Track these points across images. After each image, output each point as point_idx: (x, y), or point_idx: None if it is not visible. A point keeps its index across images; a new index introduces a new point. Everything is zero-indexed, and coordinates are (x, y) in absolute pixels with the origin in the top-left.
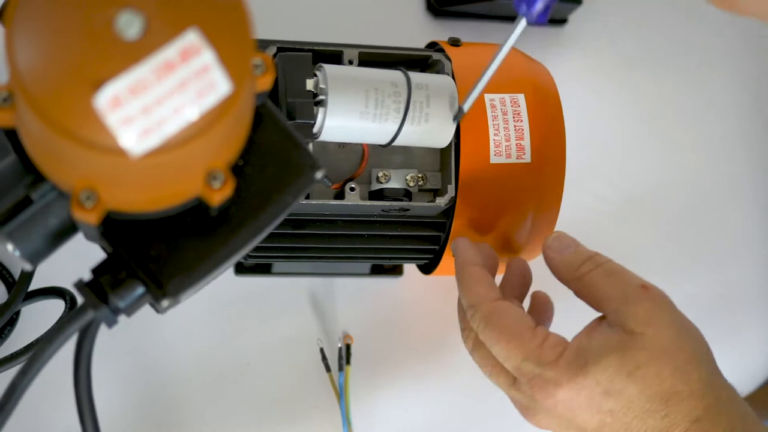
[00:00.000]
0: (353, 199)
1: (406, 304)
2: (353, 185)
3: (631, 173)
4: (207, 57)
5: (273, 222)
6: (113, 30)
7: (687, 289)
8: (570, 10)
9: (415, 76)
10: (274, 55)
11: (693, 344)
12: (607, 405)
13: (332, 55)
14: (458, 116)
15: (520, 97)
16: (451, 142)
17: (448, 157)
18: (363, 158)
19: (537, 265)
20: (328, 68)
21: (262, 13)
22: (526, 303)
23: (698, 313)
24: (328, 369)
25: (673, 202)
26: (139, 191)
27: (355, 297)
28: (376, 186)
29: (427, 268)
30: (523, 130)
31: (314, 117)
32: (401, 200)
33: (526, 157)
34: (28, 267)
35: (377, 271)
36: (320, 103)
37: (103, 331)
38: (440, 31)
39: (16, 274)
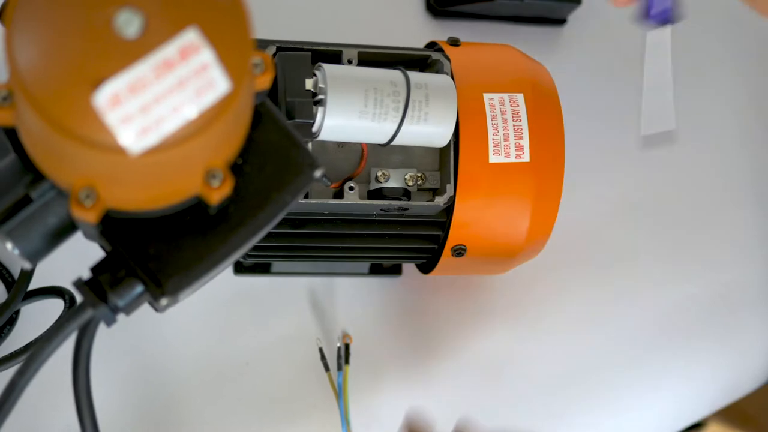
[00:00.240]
0: (352, 198)
1: (405, 303)
2: (352, 184)
3: (630, 173)
4: (206, 56)
5: (272, 221)
6: (112, 28)
7: (687, 289)
8: (569, 10)
9: (414, 76)
10: (274, 55)
11: None
12: None
13: (331, 54)
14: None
15: (520, 97)
16: (450, 142)
17: (447, 157)
18: (362, 157)
19: (537, 263)
20: (327, 68)
21: (262, 13)
22: None
23: (698, 313)
24: (327, 368)
25: (673, 201)
26: (138, 190)
27: (354, 297)
28: (375, 185)
29: (425, 268)
30: (522, 129)
31: (313, 116)
32: (400, 199)
33: (525, 157)
34: (27, 265)
35: (376, 270)
36: (319, 103)
37: (102, 330)
38: (440, 31)
39: (16, 274)
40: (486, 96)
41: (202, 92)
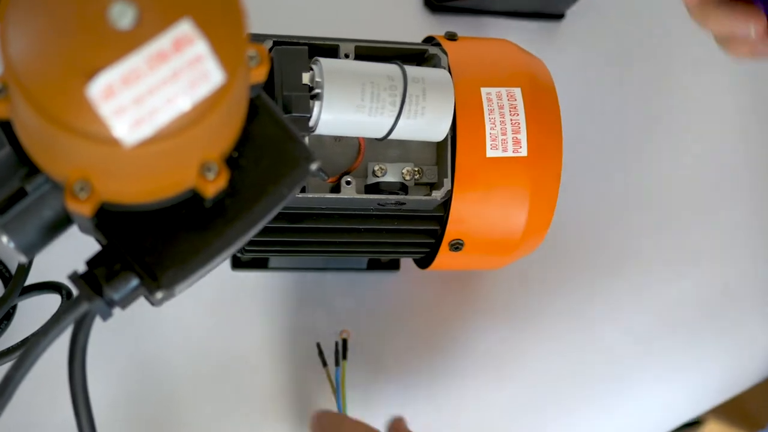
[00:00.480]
0: (349, 192)
1: (402, 299)
2: (349, 179)
3: (628, 169)
4: (200, 47)
5: (268, 214)
6: (106, 20)
7: (687, 285)
8: (567, 5)
9: (411, 70)
10: (270, 49)
11: None
12: None
13: (328, 49)
14: None
15: (517, 91)
16: (447, 136)
17: (444, 151)
18: (359, 152)
19: (534, 259)
20: (324, 62)
21: (259, 7)
22: None
23: (699, 309)
24: (324, 364)
25: (672, 197)
26: (132, 182)
27: (351, 292)
28: (372, 180)
29: (423, 263)
30: (519, 123)
31: (310, 110)
32: (397, 194)
33: (523, 151)
34: (23, 259)
35: (374, 266)
36: (316, 97)
37: (99, 326)
38: (437, 26)
39: (13, 269)
40: (483, 90)
41: (196, 84)
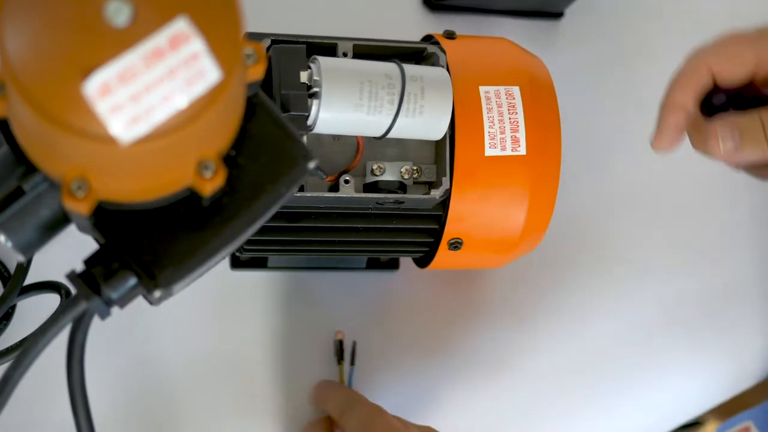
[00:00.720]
0: (348, 191)
1: (402, 298)
2: (348, 177)
3: (627, 167)
4: (196, 45)
5: (266, 213)
6: (102, 17)
7: (685, 285)
8: (566, 4)
9: (410, 69)
10: (268, 48)
11: None
12: None
13: (327, 47)
14: None
15: (516, 90)
16: (445, 135)
17: (442, 150)
18: (358, 151)
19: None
20: (323, 60)
21: (257, 6)
22: None
23: (697, 308)
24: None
25: (670, 196)
26: (129, 180)
27: (351, 291)
28: (370, 178)
29: (422, 262)
30: (518, 122)
31: (308, 109)
32: (396, 193)
33: (521, 150)
34: (20, 258)
35: (373, 265)
36: (314, 96)
37: (98, 325)
38: (436, 25)
39: (12, 269)
40: (482, 89)
41: (192, 81)
